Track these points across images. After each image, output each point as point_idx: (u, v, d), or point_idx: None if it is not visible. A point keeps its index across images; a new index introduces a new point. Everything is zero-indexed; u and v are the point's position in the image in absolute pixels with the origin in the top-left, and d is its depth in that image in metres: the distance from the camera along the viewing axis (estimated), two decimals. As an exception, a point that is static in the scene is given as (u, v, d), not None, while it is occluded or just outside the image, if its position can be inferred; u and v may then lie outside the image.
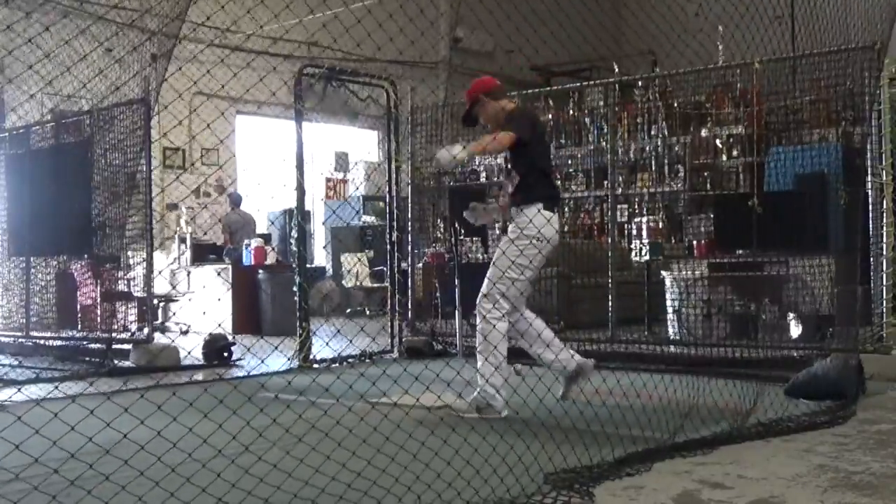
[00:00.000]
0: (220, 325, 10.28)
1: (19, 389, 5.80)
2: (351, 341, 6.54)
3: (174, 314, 11.50)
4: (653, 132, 10.69)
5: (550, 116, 11.30)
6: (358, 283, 13.72)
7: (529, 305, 5.35)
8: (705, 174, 10.49)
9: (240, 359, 8.04)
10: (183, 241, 12.19)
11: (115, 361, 7.66)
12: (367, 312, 13.36)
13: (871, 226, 6.95)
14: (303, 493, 3.14)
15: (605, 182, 9.72)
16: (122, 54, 7.50)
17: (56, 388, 6.01)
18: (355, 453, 3.53)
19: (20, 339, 9.16)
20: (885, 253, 6.89)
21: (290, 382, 5.39)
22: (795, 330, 7.55)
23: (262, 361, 6.90)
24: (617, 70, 10.17)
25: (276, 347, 7.17)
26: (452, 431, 3.93)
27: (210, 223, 13.42)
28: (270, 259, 11.76)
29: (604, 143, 10.46)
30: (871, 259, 6.98)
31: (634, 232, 9.71)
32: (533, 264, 5.08)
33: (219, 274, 11.34)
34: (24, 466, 3.40)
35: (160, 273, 11.32)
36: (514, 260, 5.02)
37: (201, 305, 10.71)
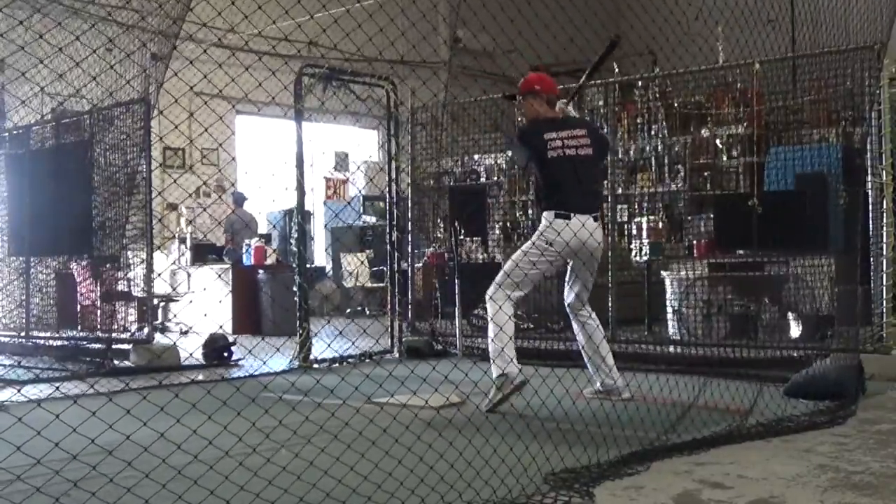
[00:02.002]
0: (221, 327, 10.28)
1: (19, 390, 5.80)
2: (354, 343, 6.56)
3: (175, 315, 11.49)
4: (653, 132, 10.68)
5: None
6: (358, 284, 13.72)
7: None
8: (705, 174, 10.49)
9: (240, 359, 8.04)
10: (183, 241, 12.20)
11: (115, 361, 7.66)
12: (367, 312, 13.36)
13: (871, 226, 6.94)
14: (289, 498, 3.14)
15: (606, 182, 9.71)
16: (122, 54, 7.49)
17: (57, 388, 6.01)
18: (364, 456, 3.52)
19: (20, 339, 9.16)
20: (885, 253, 6.89)
21: (293, 384, 5.38)
22: (795, 330, 7.55)
23: (265, 363, 6.89)
24: (617, 70, 10.16)
25: (278, 349, 7.18)
26: (456, 433, 3.93)
27: (210, 224, 13.41)
28: (270, 259, 11.77)
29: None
30: (871, 259, 6.98)
31: (634, 232, 9.71)
32: (535, 265, 5.46)
33: (220, 275, 11.34)
34: (27, 468, 3.39)
35: (160, 275, 11.33)
36: (523, 253, 5.49)
37: (201, 306, 10.71)
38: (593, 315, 5.73)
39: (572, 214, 5.41)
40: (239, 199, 13.65)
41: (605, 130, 9.20)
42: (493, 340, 5.28)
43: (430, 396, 4.94)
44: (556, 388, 4.47)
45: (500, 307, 5.35)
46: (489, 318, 5.40)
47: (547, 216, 5.47)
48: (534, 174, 5.80)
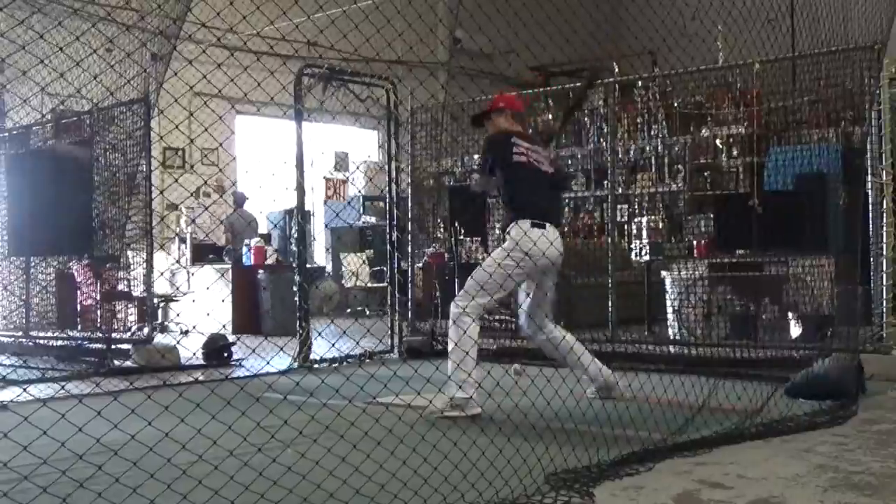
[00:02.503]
0: (223, 326, 10.28)
1: (25, 389, 5.81)
2: (357, 343, 6.56)
3: (177, 314, 11.48)
4: (653, 132, 10.69)
5: (550, 116, 11.30)
6: (358, 283, 13.73)
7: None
8: (705, 174, 10.49)
9: (240, 359, 8.05)
10: (183, 241, 12.19)
11: (116, 361, 7.66)
12: (367, 312, 13.36)
13: (871, 226, 6.94)
14: (293, 498, 3.14)
15: (605, 182, 9.71)
16: (122, 54, 7.49)
17: (63, 388, 6.02)
18: (369, 456, 3.52)
19: (20, 339, 9.16)
20: (885, 253, 6.89)
21: (298, 383, 5.39)
22: (795, 330, 7.55)
23: (268, 363, 6.89)
24: (617, 70, 10.18)
25: (282, 348, 7.18)
26: (453, 432, 3.93)
27: (210, 224, 13.41)
28: (270, 259, 11.77)
29: (604, 143, 10.47)
30: (871, 259, 6.98)
31: (634, 232, 9.71)
32: (511, 276, 5.28)
33: (221, 275, 11.33)
34: (33, 467, 3.41)
35: (162, 274, 11.33)
36: (493, 268, 5.24)
37: (201, 305, 10.70)
38: (557, 326, 5.58)
39: (547, 224, 5.37)
40: (240, 200, 13.66)
41: (605, 131, 9.21)
42: (458, 364, 5.02)
43: (433, 396, 4.93)
44: (556, 388, 4.47)
45: (467, 329, 5.11)
46: (453, 338, 5.13)
47: (522, 225, 5.28)
48: (498, 185, 5.57)
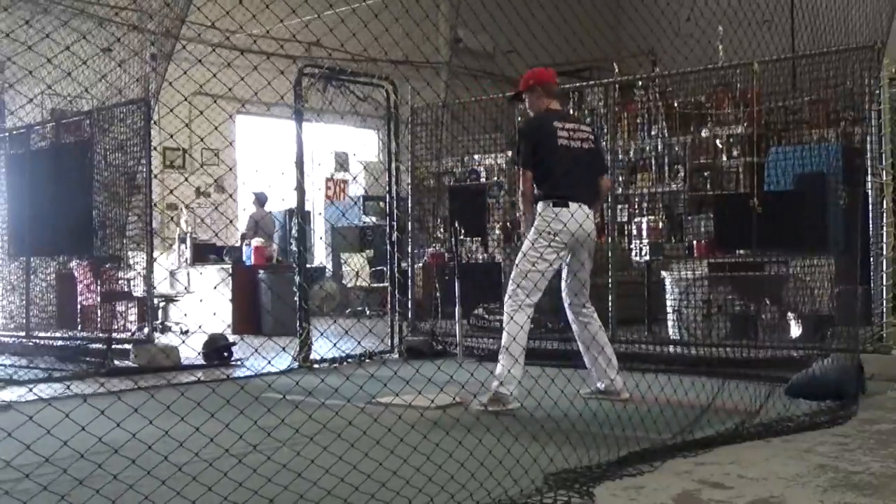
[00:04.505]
0: (227, 326, 10.28)
1: (31, 389, 5.83)
2: (358, 342, 6.54)
3: (184, 314, 11.48)
4: (653, 132, 10.69)
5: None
6: (358, 283, 13.73)
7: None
8: (705, 174, 10.49)
9: (240, 359, 8.05)
10: (183, 241, 12.19)
11: (116, 361, 7.67)
12: (367, 312, 13.36)
13: (871, 226, 6.94)
14: (291, 495, 3.14)
15: (605, 182, 9.69)
16: (122, 55, 7.49)
17: (67, 387, 6.04)
18: (370, 455, 3.52)
19: (21, 340, 9.16)
20: (885, 253, 6.89)
21: (297, 383, 5.39)
22: (795, 330, 7.55)
23: (269, 362, 6.89)
24: (617, 70, 10.18)
25: (284, 348, 7.17)
26: (454, 433, 3.93)
27: (209, 223, 13.40)
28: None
29: (604, 143, 10.45)
30: (871, 259, 6.98)
31: (634, 232, 9.71)
32: (544, 257, 5.37)
33: (225, 277, 11.33)
34: (35, 466, 3.43)
35: (166, 278, 11.34)
36: (525, 253, 5.40)
37: (202, 305, 10.70)
38: (595, 314, 5.65)
39: (569, 202, 5.40)
40: (262, 199, 13.73)
41: (605, 131, 9.21)
42: (506, 351, 5.17)
43: (435, 396, 4.94)
44: (555, 388, 4.47)
45: (513, 318, 5.25)
46: (510, 333, 5.23)
47: (544, 206, 5.41)
48: (528, 169, 5.51)
